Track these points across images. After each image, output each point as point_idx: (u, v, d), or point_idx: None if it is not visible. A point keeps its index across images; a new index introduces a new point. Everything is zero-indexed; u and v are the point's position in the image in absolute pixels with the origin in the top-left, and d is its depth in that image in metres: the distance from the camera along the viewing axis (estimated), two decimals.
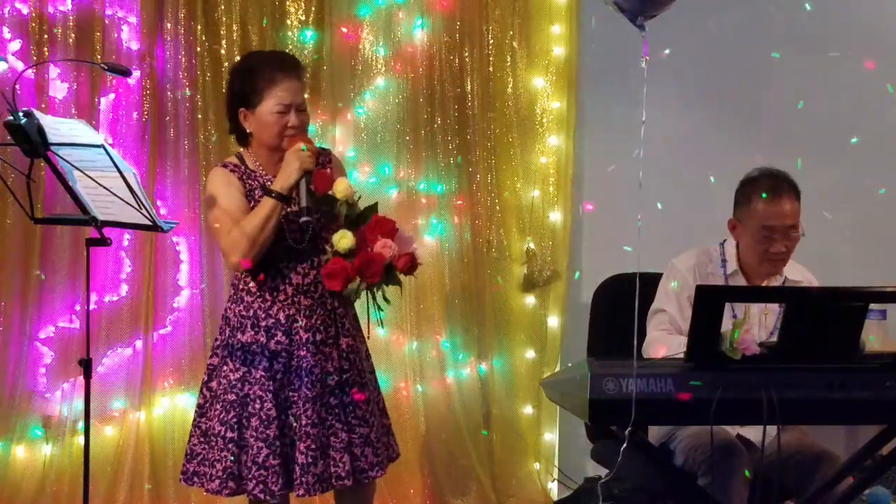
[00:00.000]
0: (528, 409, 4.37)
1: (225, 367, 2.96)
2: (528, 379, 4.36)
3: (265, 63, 2.96)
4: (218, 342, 3.03)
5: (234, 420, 2.91)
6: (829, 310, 2.55)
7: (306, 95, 3.10)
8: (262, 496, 2.89)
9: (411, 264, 2.85)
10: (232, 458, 2.89)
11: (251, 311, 2.95)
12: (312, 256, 2.95)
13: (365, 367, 3.10)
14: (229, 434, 2.91)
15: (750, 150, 3.77)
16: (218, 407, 2.95)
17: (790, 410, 2.47)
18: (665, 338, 3.13)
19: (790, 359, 2.53)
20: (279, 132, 2.91)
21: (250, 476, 2.89)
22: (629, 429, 2.42)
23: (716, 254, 3.28)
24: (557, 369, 4.27)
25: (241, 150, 3.05)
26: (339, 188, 2.86)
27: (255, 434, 2.89)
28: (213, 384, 3.00)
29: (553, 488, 4.38)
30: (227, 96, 3.05)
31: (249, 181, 2.96)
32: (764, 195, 3.12)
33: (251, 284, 2.96)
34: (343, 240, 2.81)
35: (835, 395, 2.49)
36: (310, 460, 2.88)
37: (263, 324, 2.94)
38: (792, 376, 2.49)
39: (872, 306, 2.63)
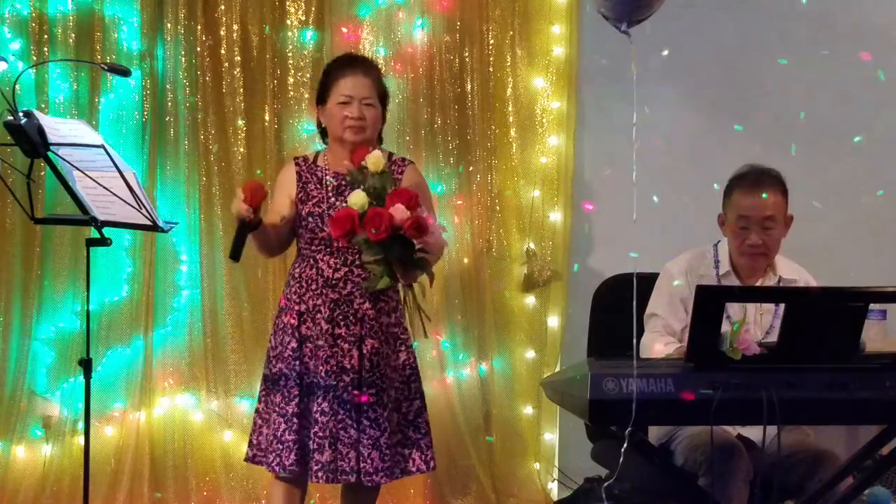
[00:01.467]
0: (528, 409, 4.37)
1: (269, 345, 3.19)
2: (528, 379, 4.36)
3: (336, 63, 3.23)
4: (274, 324, 3.24)
5: (264, 394, 3.15)
6: (829, 310, 2.55)
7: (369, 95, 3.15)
8: (276, 469, 3.05)
9: (417, 225, 2.75)
10: (256, 429, 3.14)
11: (291, 296, 3.13)
12: (345, 254, 3.08)
13: (391, 375, 3.12)
14: (259, 405, 3.17)
15: (750, 150, 3.78)
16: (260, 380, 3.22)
17: (790, 410, 2.47)
18: (657, 340, 3.14)
19: (790, 359, 2.53)
20: (341, 122, 3.10)
21: (270, 449, 3.07)
22: (629, 429, 2.42)
23: (709, 255, 3.28)
24: (557, 369, 4.27)
25: (323, 148, 3.27)
26: (371, 160, 2.88)
27: (276, 409, 3.08)
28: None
29: (553, 488, 4.37)
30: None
31: (308, 174, 3.17)
32: (742, 188, 3.15)
33: (296, 270, 3.16)
34: (355, 196, 2.81)
35: (835, 395, 2.49)
36: (316, 446, 3.01)
37: (297, 308, 3.11)
38: (792, 376, 2.49)
39: (872, 306, 2.63)
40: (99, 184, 2.68)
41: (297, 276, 3.14)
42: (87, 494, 2.95)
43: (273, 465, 3.05)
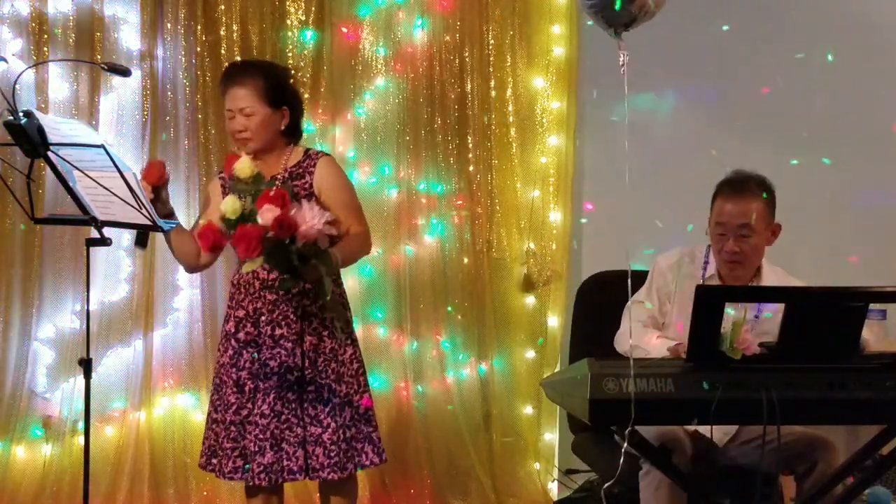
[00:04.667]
0: (528, 409, 4.37)
1: (217, 354, 3.17)
2: (528, 379, 4.36)
3: (221, 77, 3.16)
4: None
5: (210, 401, 3.15)
6: (829, 310, 2.55)
7: (244, 100, 3.03)
8: (218, 476, 3.10)
9: (283, 224, 2.65)
10: (213, 436, 3.12)
11: (231, 303, 3.14)
12: None
13: (333, 368, 3.06)
14: (212, 415, 3.15)
15: (750, 150, 3.78)
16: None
17: (790, 410, 2.47)
18: (641, 332, 3.11)
19: (790, 359, 2.53)
20: (231, 136, 3.09)
21: (213, 455, 3.11)
22: (629, 428, 2.42)
23: (700, 255, 3.26)
24: (557, 369, 4.27)
25: None
26: (237, 167, 2.83)
27: (218, 417, 3.09)
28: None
29: (553, 488, 4.38)
30: None
31: (227, 158, 3.03)
32: (724, 193, 3.12)
33: (234, 277, 3.14)
34: (226, 203, 2.75)
35: (835, 395, 2.49)
36: (256, 448, 3.00)
37: (235, 314, 3.10)
38: (792, 376, 2.49)
39: (872, 306, 2.63)
40: (99, 184, 2.68)
41: (235, 282, 3.12)
42: (87, 494, 2.95)
43: (216, 470, 3.09)
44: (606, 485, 2.70)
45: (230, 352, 3.07)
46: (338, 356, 3.07)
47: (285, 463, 3.00)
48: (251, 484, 3.06)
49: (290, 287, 2.88)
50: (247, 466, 3.04)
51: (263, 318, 3.04)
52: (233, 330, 3.08)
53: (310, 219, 2.71)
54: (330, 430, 3.02)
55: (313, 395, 3.02)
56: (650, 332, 3.14)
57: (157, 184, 2.88)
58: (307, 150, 3.12)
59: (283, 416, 3.01)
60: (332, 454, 3.01)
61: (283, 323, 3.03)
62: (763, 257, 3.19)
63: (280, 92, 3.07)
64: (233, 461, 3.04)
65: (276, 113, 3.04)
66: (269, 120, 3.03)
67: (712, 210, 3.17)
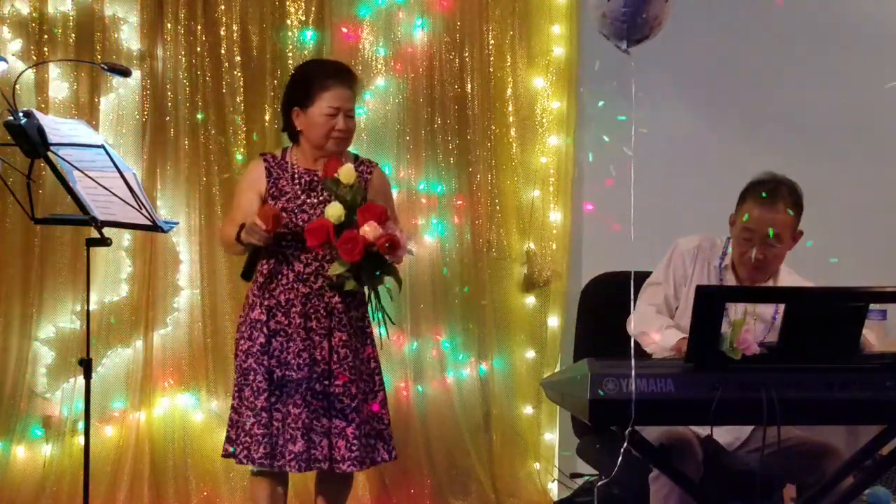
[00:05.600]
0: (528, 409, 4.37)
1: (240, 341, 3.20)
2: (528, 379, 4.36)
3: (321, 70, 3.22)
4: (240, 319, 3.25)
5: (237, 389, 3.18)
6: (829, 310, 2.55)
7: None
8: (244, 461, 3.13)
9: (391, 244, 2.93)
10: (242, 421, 3.15)
11: (260, 291, 3.16)
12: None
13: (359, 367, 3.18)
14: (233, 401, 3.20)
15: (750, 149, 3.79)
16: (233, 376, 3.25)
17: (790, 410, 2.47)
18: (653, 319, 3.12)
19: (790, 359, 2.53)
20: (326, 133, 3.12)
21: (238, 442, 3.14)
22: (629, 428, 2.42)
23: (719, 244, 3.24)
24: (557, 369, 4.27)
25: (290, 145, 3.25)
26: (343, 172, 3.03)
27: (245, 403, 3.13)
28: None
29: (553, 488, 4.38)
30: (283, 97, 3.27)
31: (279, 171, 3.17)
32: (755, 197, 3.09)
33: (263, 266, 3.16)
34: (332, 209, 2.98)
35: (835, 395, 2.49)
36: (289, 437, 3.08)
37: (266, 303, 3.14)
38: (792, 376, 2.49)
39: (872, 306, 2.63)
40: (99, 184, 2.68)
41: (264, 271, 3.15)
42: (87, 494, 2.95)
43: (241, 457, 3.13)
44: (600, 483, 2.71)
45: (261, 339, 3.12)
46: (358, 354, 3.18)
47: (312, 452, 3.09)
48: (282, 471, 3.14)
49: (339, 289, 3.07)
50: (231, 450, 3.14)
51: (295, 309, 3.10)
52: (264, 318, 3.13)
53: (403, 238, 2.98)
54: (354, 424, 3.11)
55: (340, 389, 3.11)
56: (660, 320, 3.13)
57: (274, 230, 2.99)
58: (356, 156, 3.27)
59: (313, 406, 3.09)
60: (355, 448, 3.10)
61: (314, 317, 3.12)
62: (783, 262, 3.18)
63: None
64: (263, 447, 3.08)
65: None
66: (355, 127, 3.22)
67: (739, 210, 3.14)
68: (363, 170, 3.21)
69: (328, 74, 3.15)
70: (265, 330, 3.12)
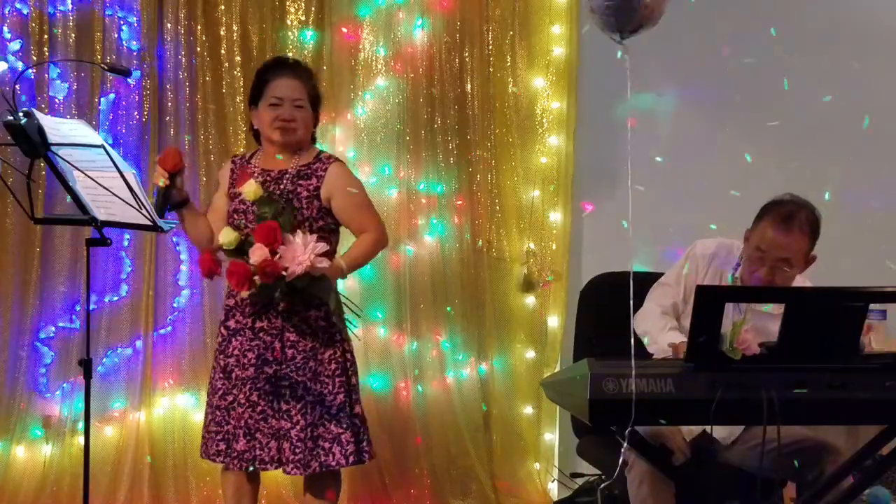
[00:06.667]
0: (528, 409, 4.37)
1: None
2: (528, 379, 4.36)
3: (267, 66, 3.23)
4: None
5: (209, 387, 3.24)
6: (829, 310, 2.55)
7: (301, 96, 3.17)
8: (203, 456, 3.20)
9: (265, 272, 2.79)
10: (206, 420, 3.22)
11: (227, 292, 3.21)
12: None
13: (315, 368, 3.10)
14: (208, 399, 3.25)
15: (750, 149, 3.78)
16: None
17: (790, 410, 2.47)
18: (657, 319, 3.11)
19: (790, 359, 2.53)
20: (270, 123, 3.11)
21: (203, 438, 3.21)
22: (629, 428, 2.42)
23: (736, 251, 3.22)
24: (557, 369, 4.27)
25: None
26: (246, 189, 2.97)
27: (207, 400, 3.21)
28: None
29: (553, 488, 4.38)
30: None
31: (240, 171, 3.17)
32: (772, 219, 3.04)
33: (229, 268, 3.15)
34: (223, 235, 2.95)
35: (835, 395, 2.49)
36: (231, 436, 3.11)
37: (226, 303, 3.21)
38: (792, 376, 2.49)
39: (872, 306, 2.62)
40: (99, 184, 2.68)
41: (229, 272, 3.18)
42: (87, 494, 2.95)
43: (202, 452, 3.20)
44: (603, 485, 2.71)
45: (219, 338, 3.19)
46: (317, 355, 3.12)
47: (258, 452, 3.09)
48: (228, 469, 3.16)
49: (280, 307, 3.05)
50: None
51: (248, 308, 3.12)
52: (224, 318, 3.19)
53: (299, 255, 2.81)
54: (298, 426, 3.08)
55: (287, 391, 3.09)
56: (664, 321, 3.12)
57: (173, 170, 2.98)
58: (319, 152, 3.22)
59: (259, 408, 3.09)
60: (297, 451, 3.07)
61: (264, 316, 3.11)
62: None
63: (317, 98, 3.24)
64: (216, 444, 3.13)
65: (312, 116, 3.20)
66: (310, 118, 3.19)
67: (754, 228, 3.10)
68: (318, 167, 3.14)
69: (270, 68, 3.19)
70: (223, 330, 3.17)
